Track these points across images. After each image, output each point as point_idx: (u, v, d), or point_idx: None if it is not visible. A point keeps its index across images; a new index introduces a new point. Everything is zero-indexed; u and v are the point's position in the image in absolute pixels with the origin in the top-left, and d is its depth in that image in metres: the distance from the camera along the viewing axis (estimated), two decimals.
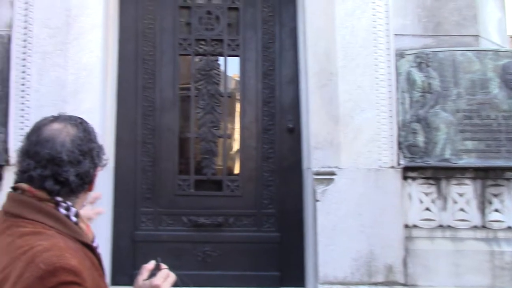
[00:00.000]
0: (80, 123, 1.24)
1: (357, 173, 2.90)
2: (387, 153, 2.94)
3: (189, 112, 3.28)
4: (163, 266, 1.33)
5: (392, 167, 2.93)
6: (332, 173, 2.91)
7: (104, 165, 1.28)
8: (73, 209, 1.20)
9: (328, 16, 3.00)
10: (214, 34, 3.26)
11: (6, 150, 2.88)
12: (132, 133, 3.21)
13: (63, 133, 1.19)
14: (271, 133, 3.24)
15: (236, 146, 3.33)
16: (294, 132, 3.21)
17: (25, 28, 2.88)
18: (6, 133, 2.89)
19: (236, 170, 3.32)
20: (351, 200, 2.88)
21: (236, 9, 3.29)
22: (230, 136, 3.31)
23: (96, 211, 1.62)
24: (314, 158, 2.96)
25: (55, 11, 2.88)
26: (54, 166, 1.16)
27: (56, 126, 1.21)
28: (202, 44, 3.26)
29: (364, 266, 2.86)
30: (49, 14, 2.87)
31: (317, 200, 2.88)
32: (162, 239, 3.17)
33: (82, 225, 1.23)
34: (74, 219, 1.19)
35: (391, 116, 2.96)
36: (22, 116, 2.88)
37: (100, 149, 1.26)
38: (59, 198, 1.17)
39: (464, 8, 3.14)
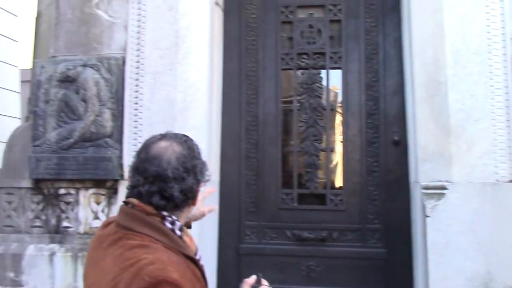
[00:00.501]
0: (185, 141, 1.32)
1: (471, 187, 2.77)
2: (505, 166, 2.78)
3: (291, 125, 3.33)
4: (264, 281, 1.37)
5: (511, 181, 2.77)
6: (443, 187, 2.81)
7: (207, 181, 1.35)
8: (178, 223, 1.28)
9: (436, 23, 2.90)
10: (316, 48, 3.29)
11: (121, 166, 3.09)
12: (236, 148, 3.32)
13: (169, 151, 1.27)
14: (376, 146, 3.20)
15: (339, 159, 3.32)
16: (400, 145, 3.15)
17: (138, 50, 3.09)
18: (121, 150, 3.11)
19: (340, 183, 3.30)
20: (464, 216, 2.76)
21: (338, 21, 3.29)
22: (333, 149, 3.31)
23: (210, 208, 1.76)
24: (422, 171, 2.87)
25: (165, 33, 3.06)
26: (161, 183, 1.24)
27: (163, 144, 1.30)
28: (304, 58, 3.30)
29: (481, 287, 2.72)
30: (160, 36, 3.06)
31: (427, 216, 2.79)
32: (266, 253, 3.24)
33: (185, 238, 1.31)
34: (178, 232, 1.27)
35: (508, 126, 2.80)
36: (135, 133, 3.08)
37: (203, 165, 1.33)
38: (165, 213, 1.26)
39: None
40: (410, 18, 3.00)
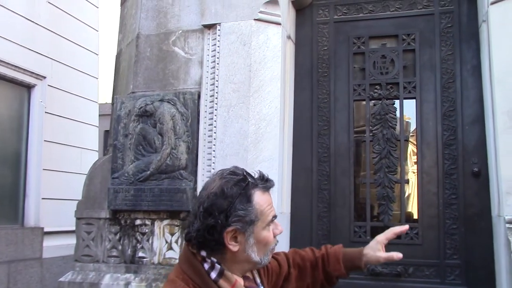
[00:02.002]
0: (223, 178, 1.33)
1: None
2: None
3: (364, 157, 3.39)
4: None
5: None
6: None
7: (236, 227, 1.29)
8: (218, 267, 1.32)
9: None
10: (389, 78, 3.37)
11: (194, 197, 3.26)
12: (308, 180, 3.43)
13: (207, 189, 1.34)
14: (454, 178, 3.19)
15: (414, 191, 3.33)
16: (480, 176, 3.12)
17: (213, 84, 3.30)
18: (195, 181, 3.30)
19: (415, 216, 3.31)
20: None
21: (412, 50, 3.36)
22: (407, 181, 3.33)
23: (386, 257, 1.68)
24: (507, 205, 2.82)
25: (238, 67, 3.25)
26: (193, 220, 1.33)
27: (209, 181, 1.38)
28: (377, 89, 3.38)
29: None
30: (233, 71, 3.25)
31: None
32: (339, 287, 3.26)
33: (224, 284, 1.32)
34: (213, 276, 1.31)
35: None
36: (209, 165, 3.25)
37: (233, 209, 1.29)
38: (204, 254, 1.32)
39: None
40: (490, 44, 3.00)
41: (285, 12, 3.36)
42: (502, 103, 2.91)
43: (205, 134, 3.29)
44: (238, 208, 1.28)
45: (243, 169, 1.38)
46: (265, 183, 1.37)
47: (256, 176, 1.37)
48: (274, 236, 1.39)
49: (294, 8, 3.58)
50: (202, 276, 1.30)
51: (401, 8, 3.42)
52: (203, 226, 1.28)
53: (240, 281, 1.36)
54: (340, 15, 3.53)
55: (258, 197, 1.33)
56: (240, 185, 1.31)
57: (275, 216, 1.38)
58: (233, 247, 1.30)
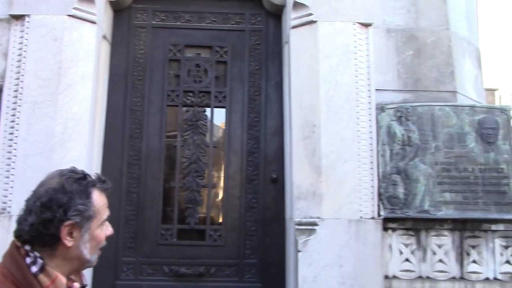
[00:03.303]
0: (63, 175, 1.40)
1: (338, 224, 3.23)
2: (368, 204, 3.29)
3: (174, 161, 3.65)
4: None
5: (373, 218, 3.28)
6: (314, 224, 3.24)
7: (74, 220, 1.36)
8: (40, 261, 1.38)
9: (312, 71, 3.41)
10: (202, 86, 3.71)
11: None
12: (117, 182, 3.55)
13: (45, 185, 1.42)
14: (255, 183, 3.62)
15: (220, 195, 3.68)
16: (278, 183, 3.60)
17: (17, 79, 3.25)
18: None
19: (220, 219, 3.67)
20: (332, 251, 3.21)
21: (224, 62, 3.76)
22: (214, 186, 3.68)
23: None
24: (296, 209, 3.30)
25: (48, 63, 3.26)
26: (26, 215, 1.40)
27: (47, 178, 1.46)
28: (190, 96, 3.69)
29: None
30: (41, 66, 3.25)
31: (299, 251, 3.19)
32: None
33: (43, 279, 1.34)
34: (34, 270, 1.34)
35: (372, 168, 3.33)
36: (9, 165, 3.17)
37: (70, 202, 1.36)
38: (27, 248, 1.40)
39: (442, 66, 3.62)
40: (290, 64, 3.51)
41: (102, 12, 3.48)
42: (298, 117, 3.41)
43: (5, 131, 3.20)
44: (77, 203, 1.36)
45: (82, 170, 1.48)
46: (102, 184, 1.48)
47: (94, 177, 1.48)
48: (106, 237, 1.49)
49: (112, 9, 3.72)
50: (22, 270, 1.33)
51: (216, 21, 3.80)
52: (38, 220, 1.33)
53: (62, 278, 1.40)
54: (158, 21, 3.78)
55: (96, 195, 1.43)
56: (80, 183, 1.40)
57: (108, 217, 1.50)
58: (68, 242, 1.37)
